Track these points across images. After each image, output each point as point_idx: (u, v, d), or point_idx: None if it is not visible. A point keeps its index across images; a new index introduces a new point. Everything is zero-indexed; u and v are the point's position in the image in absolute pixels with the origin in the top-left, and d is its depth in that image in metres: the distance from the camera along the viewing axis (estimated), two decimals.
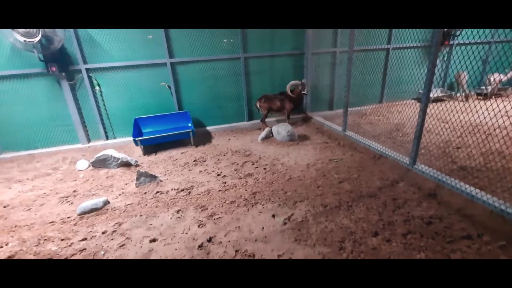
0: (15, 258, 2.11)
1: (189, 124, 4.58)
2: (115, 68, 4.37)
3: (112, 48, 4.26)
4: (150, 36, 4.36)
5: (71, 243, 2.23)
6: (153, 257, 2.04)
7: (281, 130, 4.41)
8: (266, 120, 5.08)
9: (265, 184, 3.01)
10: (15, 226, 2.54)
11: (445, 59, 6.23)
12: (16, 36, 3.44)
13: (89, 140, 4.61)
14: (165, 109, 4.79)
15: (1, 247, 2.24)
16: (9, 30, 3.43)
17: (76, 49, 4.07)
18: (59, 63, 3.94)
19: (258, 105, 4.95)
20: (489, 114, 2.56)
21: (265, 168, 3.42)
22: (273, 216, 2.43)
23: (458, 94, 6.13)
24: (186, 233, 2.27)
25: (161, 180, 3.25)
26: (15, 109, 4.15)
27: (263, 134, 4.52)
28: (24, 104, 4.17)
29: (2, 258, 2.11)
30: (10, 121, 4.19)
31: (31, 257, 2.11)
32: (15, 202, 3.01)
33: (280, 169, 3.39)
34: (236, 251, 2.03)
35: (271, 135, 4.57)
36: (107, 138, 4.67)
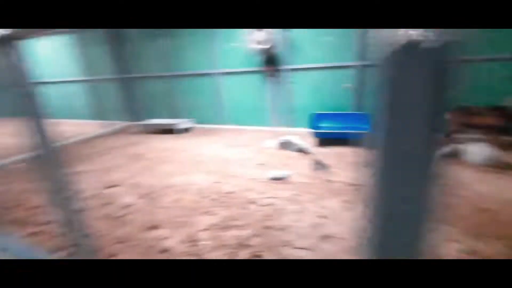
0: (231, 194, 3.13)
1: (366, 126, 4.65)
2: (308, 69, 5.13)
3: (308, 51, 5.02)
4: (328, 39, 4.73)
5: (264, 197, 3.01)
6: (324, 230, 2.39)
7: (477, 150, 3.57)
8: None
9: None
10: (231, 175, 3.71)
11: None
12: (255, 44, 4.82)
13: (275, 125, 5.74)
14: (340, 108, 5.10)
15: (226, 184, 3.38)
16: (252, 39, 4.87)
17: (283, 52, 5.14)
18: (271, 63, 5.14)
19: (449, 117, 4.19)
20: None
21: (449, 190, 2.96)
22: None
23: None
24: (353, 221, 2.47)
25: (331, 171, 3.59)
26: (235, 95, 5.88)
27: (446, 150, 3.83)
28: (241, 92, 5.81)
29: (224, 191, 3.20)
30: (231, 103, 5.99)
31: (239, 200, 3.05)
32: (231, 159, 4.34)
33: (469, 195, 2.82)
34: None
35: (458, 154, 3.79)
36: (289, 126, 5.62)
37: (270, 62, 5.11)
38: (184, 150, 4.95)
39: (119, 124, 7.23)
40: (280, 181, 3.39)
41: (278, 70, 5.28)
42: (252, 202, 2.93)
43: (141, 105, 7.28)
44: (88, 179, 3.78)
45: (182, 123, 6.20)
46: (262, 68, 5.22)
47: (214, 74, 6.00)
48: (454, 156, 3.88)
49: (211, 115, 6.44)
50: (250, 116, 5.94)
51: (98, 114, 7.26)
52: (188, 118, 6.49)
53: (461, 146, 3.84)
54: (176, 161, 4.39)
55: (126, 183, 3.66)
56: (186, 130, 6.26)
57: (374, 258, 0.62)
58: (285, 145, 4.53)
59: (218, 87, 6.08)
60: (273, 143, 4.79)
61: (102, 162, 4.56)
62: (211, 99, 6.28)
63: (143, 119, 6.94)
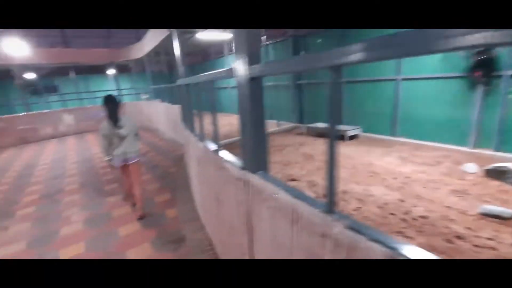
0: (425, 220, 2.70)
1: None
2: None
3: None
4: None
5: (477, 235, 2.40)
6: None
7: None
8: None
9: None
10: (417, 196, 3.23)
11: None
12: None
13: (475, 146, 4.53)
14: None
15: (414, 206, 2.97)
16: None
17: (503, 54, 3.92)
18: (485, 68, 4.06)
19: None
20: None
21: None
22: None
23: None
24: None
25: None
26: (420, 104, 5.08)
27: None
28: (429, 101, 4.96)
29: (415, 214, 2.80)
30: (410, 112, 5.25)
31: (439, 230, 2.57)
32: (413, 176, 3.80)
33: None
34: None
35: None
36: (497, 149, 4.28)
37: (484, 66, 4.05)
38: (352, 157, 4.83)
39: (287, 124, 8.07)
40: (498, 220, 2.60)
41: (493, 77, 4.11)
42: (460, 237, 2.40)
43: (308, 109, 7.79)
44: (274, 169, 4.40)
45: (349, 129, 6.09)
46: (471, 74, 4.22)
47: (395, 80, 5.48)
48: None
49: (380, 125, 5.95)
50: (437, 131, 4.99)
51: (272, 114, 8.35)
52: (354, 125, 6.31)
53: None
54: (347, 167, 4.33)
55: (303, 179, 3.98)
56: (352, 137, 6.11)
57: None
58: (498, 174, 3.46)
59: (397, 95, 5.50)
60: (475, 168, 3.79)
61: (281, 156, 5.20)
62: (383, 107, 5.80)
63: (309, 122, 7.39)
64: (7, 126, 8.92)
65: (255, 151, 1.41)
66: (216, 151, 1.98)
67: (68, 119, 10.26)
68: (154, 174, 4.90)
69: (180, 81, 3.90)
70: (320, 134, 6.62)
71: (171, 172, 4.96)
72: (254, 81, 1.32)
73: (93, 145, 8.02)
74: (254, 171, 1.41)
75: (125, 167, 3.21)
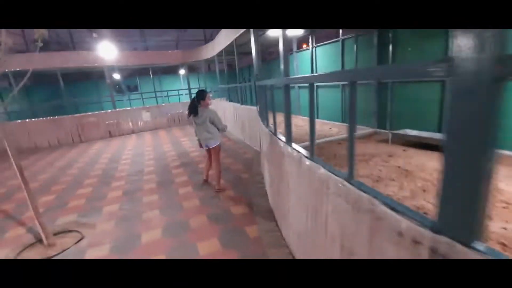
0: None
1: None
2: None
3: None
4: None
5: None
6: None
7: None
8: None
9: None
10: None
11: None
12: None
13: None
14: None
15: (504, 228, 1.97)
16: None
17: None
18: None
19: None
20: None
21: None
22: None
23: None
24: None
25: None
26: None
27: None
28: None
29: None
30: None
31: None
32: None
33: None
34: None
35: None
36: None
37: None
38: None
39: (366, 129, 7.12)
40: None
41: None
42: None
43: (394, 112, 6.72)
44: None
45: None
46: None
47: None
48: None
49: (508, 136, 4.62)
50: None
51: (345, 116, 7.50)
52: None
53: None
54: None
55: (407, 202, 3.18)
56: None
57: None
58: None
59: None
60: None
61: (368, 169, 4.43)
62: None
63: (393, 127, 6.34)
64: (98, 121, 10.07)
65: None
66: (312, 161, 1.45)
67: (145, 116, 11.13)
68: (225, 178, 4.68)
69: (282, 81, 3.23)
70: (411, 143, 5.55)
71: (244, 178, 4.67)
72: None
73: (166, 142, 8.41)
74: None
75: (208, 151, 4.01)
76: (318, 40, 8.16)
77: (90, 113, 10.02)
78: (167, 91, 13.24)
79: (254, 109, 6.00)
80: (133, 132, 10.87)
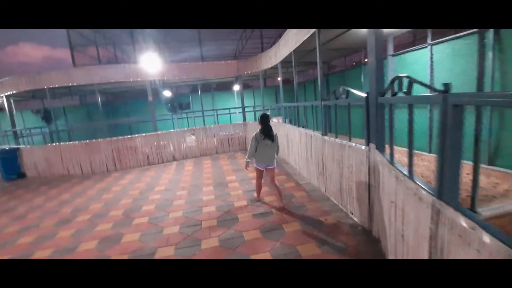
0: None
1: None
2: None
3: None
4: None
5: None
6: None
7: None
8: None
9: None
10: None
11: None
12: None
13: None
14: None
15: None
16: None
17: None
18: None
19: None
20: None
21: None
22: None
23: None
24: None
25: None
26: None
27: None
28: None
29: None
30: None
31: None
32: None
33: None
34: None
35: None
36: None
37: None
38: None
39: None
40: None
41: None
42: None
43: None
44: None
45: None
46: None
47: None
48: None
49: None
50: None
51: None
52: None
53: None
54: None
55: None
56: None
57: None
58: None
59: None
60: None
61: None
62: None
63: None
64: (136, 146, 8.45)
65: None
66: None
67: (189, 140, 9.19)
68: None
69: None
70: None
71: None
72: None
73: (207, 183, 6.05)
74: None
75: (264, 170, 4.12)
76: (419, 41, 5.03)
77: (129, 136, 8.49)
78: (215, 109, 11.28)
79: (361, 149, 3.18)
80: (174, 159, 8.98)
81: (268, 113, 4.19)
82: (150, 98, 8.67)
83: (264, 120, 3.93)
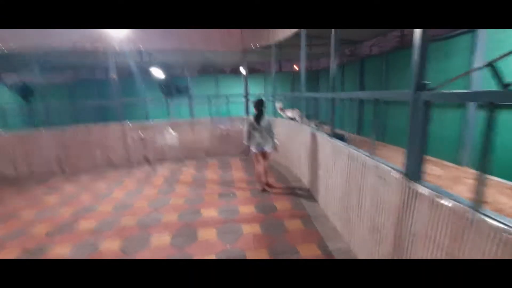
0: None
1: None
2: None
3: None
4: None
5: None
6: None
7: None
8: None
9: None
10: None
11: None
12: None
13: None
14: None
15: None
16: None
17: None
18: None
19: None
20: None
21: None
22: None
23: None
24: None
25: None
26: None
27: None
28: None
29: None
30: None
31: None
32: None
33: None
34: None
35: None
36: None
37: None
38: None
39: None
40: None
41: None
42: None
43: None
44: None
45: None
46: None
47: None
48: None
49: None
50: None
51: None
52: None
53: None
54: None
55: None
56: None
57: None
58: None
59: None
60: None
61: None
62: None
63: None
64: (91, 140, 6.03)
65: None
66: None
67: (170, 138, 6.69)
68: None
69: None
70: None
71: None
72: None
73: (165, 226, 3.56)
74: None
75: (260, 154, 4.19)
76: None
77: (82, 126, 6.07)
78: (208, 95, 8.66)
79: None
80: (147, 160, 6.54)
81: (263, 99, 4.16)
82: (113, 75, 6.13)
83: (259, 107, 4.07)
